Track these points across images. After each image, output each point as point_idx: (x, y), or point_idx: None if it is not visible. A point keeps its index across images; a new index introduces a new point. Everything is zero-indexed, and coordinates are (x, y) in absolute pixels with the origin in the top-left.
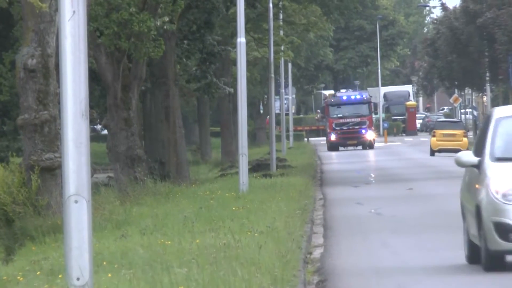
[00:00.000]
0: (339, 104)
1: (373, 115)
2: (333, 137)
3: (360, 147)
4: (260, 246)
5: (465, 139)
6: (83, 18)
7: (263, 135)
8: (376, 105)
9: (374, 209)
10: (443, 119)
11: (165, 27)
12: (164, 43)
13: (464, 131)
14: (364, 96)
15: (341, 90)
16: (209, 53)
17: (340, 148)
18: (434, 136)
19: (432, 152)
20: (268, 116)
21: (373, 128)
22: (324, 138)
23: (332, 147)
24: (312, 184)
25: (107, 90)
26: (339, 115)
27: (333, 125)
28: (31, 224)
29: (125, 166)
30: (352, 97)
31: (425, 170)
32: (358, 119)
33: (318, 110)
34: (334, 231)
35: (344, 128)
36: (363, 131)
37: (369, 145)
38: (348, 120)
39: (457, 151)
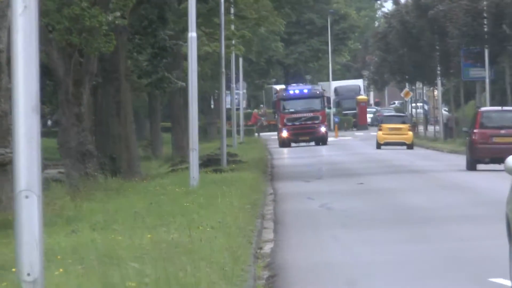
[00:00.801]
0: (291, 98)
1: (326, 110)
2: (284, 133)
3: (313, 143)
4: (210, 241)
5: (410, 133)
6: (34, 13)
7: (214, 130)
8: (329, 100)
9: (324, 203)
10: (389, 113)
11: (116, 22)
12: (116, 38)
13: (409, 125)
14: (316, 90)
15: (293, 84)
16: (160, 47)
17: (292, 144)
18: (380, 130)
19: (379, 145)
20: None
21: (326, 123)
22: (275, 133)
23: (284, 143)
24: (262, 179)
25: (58, 85)
26: (291, 110)
27: (285, 121)
28: None
29: (76, 161)
30: (305, 91)
31: (376, 164)
32: (311, 114)
33: (262, 105)
34: (284, 226)
35: (296, 123)
36: (316, 126)
37: (322, 141)
38: (300, 115)
39: (402, 144)
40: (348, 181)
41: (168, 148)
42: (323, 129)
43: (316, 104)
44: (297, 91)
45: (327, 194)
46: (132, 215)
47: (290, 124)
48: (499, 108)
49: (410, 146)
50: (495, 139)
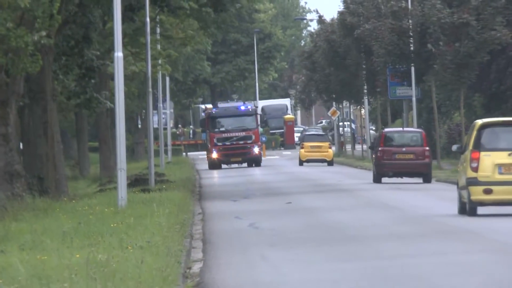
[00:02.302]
0: (221, 116)
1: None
2: (214, 154)
3: (245, 165)
4: (139, 261)
5: (330, 150)
6: None
7: (142, 150)
8: (262, 118)
9: (252, 223)
10: (310, 132)
11: (42, 42)
12: (42, 58)
13: (329, 143)
14: (249, 107)
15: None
16: (88, 68)
17: (223, 166)
18: (302, 148)
19: (301, 162)
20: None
21: (259, 143)
22: (203, 152)
23: (214, 164)
24: (191, 198)
25: None
26: (221, 129)
27: (215, 140)
28: None
29: (3, 181)
30: (236, 108)
31: (304, 183)
32: (243, 133)
33: (179, 125)
34: (213, 245)
35: (227, 143)
36: (249, 146)
37: (256, 162)
38: (231, 134)
39: (323, 161)
40: (276, 200)
41: (95, 168)
42: (256, 149)
43: (249, 122)
44: (228, 108)
45: (255, 214)
46: (61, 235)
47: (220, 144)
48: (401, 128)
49: (330, 163)
50: (398, 156)
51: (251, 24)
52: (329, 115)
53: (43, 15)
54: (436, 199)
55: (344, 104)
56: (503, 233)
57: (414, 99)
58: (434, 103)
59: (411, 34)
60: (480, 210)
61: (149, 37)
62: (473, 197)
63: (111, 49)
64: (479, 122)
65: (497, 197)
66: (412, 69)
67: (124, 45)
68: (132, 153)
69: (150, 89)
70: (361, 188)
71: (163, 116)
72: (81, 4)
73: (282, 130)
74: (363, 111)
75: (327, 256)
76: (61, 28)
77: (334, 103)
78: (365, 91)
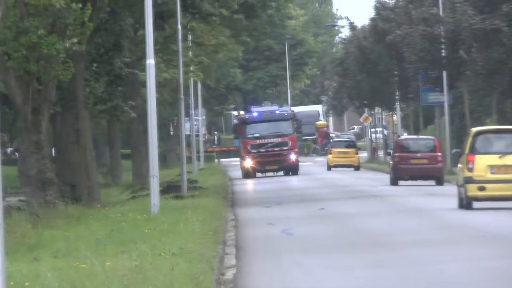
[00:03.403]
0: (255, 121)
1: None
2: (248, 162)
3: (281, 173)
4: (172, 267)
5: (357, 156)
6: None
7: (174, 157)
8: (299, 122)
9: (285, 229)
10: (338, 139)
11: (74, 49)
12: (74, 65)
13: (356, 149)
14: (285, 111)
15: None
16: (116, 75)
17: (258, 174)
18: (330, 153)
19: (329, 167)
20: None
21: (296, 150)
22: (235, 158)
23: (248, 173)
24: (223, 205)
25: (17, 113)
26: (255, 135)
27: (249, 147)
28: None
29: (36, 189)
30: (271, 113)
31: (336, 189)
32: (279, 139)
33: (206, 131)
34: (246, 251)
35: (262, 150)
36: (285, 153)
37: (292, 170)
38: (266, 140)
39: (350, 166)
40: (309, 207)
41: (128, 175)
42: (293, 156)
43: (285, 127)
44: (262, 113)
45: (288, 220)
46: (94, 242)
47: (254, 151)
48: (415, 136)
49: (357, 168)
50: (412, 161)
51: (283, 31)
52: (361, 121)
53: (74, 23)
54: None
55: (376, 110)
56: None
57: (446, 105)
58: (466, 109)
59: (443, 40)
60: (475, 204)
61: (180, 44)
62: (469, 193)
63: (142, 57)
64: (474, 130)
65: (490, 193)
66: (444, 75)
67: (156, 52)
68: (164, 160)
69: (182, 96)
70: (394, 194)
71: (195, 123)
72: (113, 11)
73: (315, 137)
74: (395, 117)
75: (361, 262)
76: (92, 36)
77: (366, 109)
78: (397, 97)
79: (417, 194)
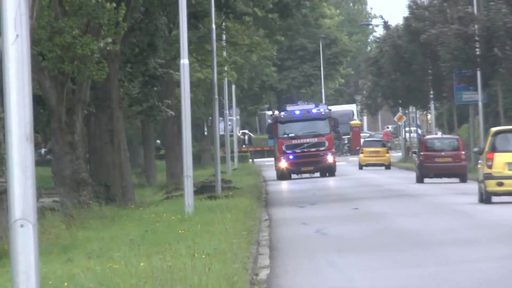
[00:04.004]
0: (291, 120)
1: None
2: (283, 162)
3: (317, 174)
4: (206, 268)
5: (387, 155)
6: (26, 42)
7: (208, 157)
8: (336, 122)
9: (319, 229)
10: (369, 138)
11: (108, 48)
12: (108, 66)
13: (387, 148)
14: (321, 110)
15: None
16: (151, 76)
17: (293, 176)
18: (362, 153)
19: (361, 166)
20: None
21: (333, 150)
22: (269, 158)
23: (283, 175)
24: (257, 205)
25: (51, 114)
26: (290, 135)
27: (284, 148)
28: None
29: (70, 190)
30: (307, 111)
31: (370, 189)
32: (315, 139)
33: (241, 131)
34: (280, 252)
35: (298, 151)
36: (322, 154)
37: (330, 171)
38: (302, 140)
39: (381, 165)
40: (342, 206)
41: (162, 175)
42: (330, 157)
43: (322, 127)
44: (297, 112)
45: (321, 219)
46: (128, 242)
47: (290, 151)
48: (440, 135)
49: (387, 167)
50: (437, 159)
51: (317, 30)
52: (395, 120)
53: (108, 23)
54: (501, 204)
55: (410, 110)
56: None
57: (480, 103)
58: (501, 108)
59: (477, 39)
60: (494, 199)
61: (214, 44)
62: (488, 189)
63: (176, 56)
64: (494, 129)
65: (508, 189)
66: (478, 73)
67: (190, 52)
68: (198, 160)
69: (216, 96)
70: (427, 193)
71: (229, 122)
72: (147, 11)
73: (349, 136)
74: (429, 116)
75: (395, 262)
76: (127, 36)
77: (400, 108)
78: (431, 96)
79: (446, 191)
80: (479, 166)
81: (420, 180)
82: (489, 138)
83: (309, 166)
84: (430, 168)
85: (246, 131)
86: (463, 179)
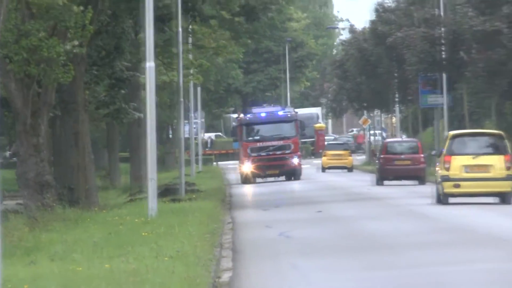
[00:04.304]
0: (256, 123)
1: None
2: (248, 166)
3: (283, 178)
4: (169, 270)
5: (350, 158)
6: None
7: (173, 160)
8: (303, 124)
9: (283, 232)
10: (332, 141)
11: (74, 51)
12: (74, 68)
13: (349, 151)
14: (287, 112)
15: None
16: (117, 78)
17: (258, 180)
18: (324, 156)
19: (323, 169)
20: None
21: (299, 153)
22: (233, 161)
23: (247, 178)
24: (221, 208)
25: (16, 117)
26: (256, 138)
27: (248, 151)
28: None
29: (34, 192)
30: (273, 114)
31: (334, 192)
32: (281, 142)
33: (206, 134)
34: (243, 254)
35: (263, 154)
36: (288, 157)
37: (295, 175)
38: (267, 143)
39: (343, 168)
40: (306, 209)
41: (126, 178)
42: (296, 160)
43: (288, 129)
44: (263, 114)
45: (285, 222)
46: (91, 245)
47: (255, 155)
48: (400, 139)
49: (350, 170)
50: (397, 162)
51: (284, 33)
52: (360, 123)
53: (75, 26)
54: (465, 206)
55: (375, 113)
56: None
57: (445, 107)
58: (466, 111)
59: (443, 42)
60: (451, 200)
61: (181, 47)
62: (445, 190)
63: (142, 60)
64: (451, 133)
65: (464, 190)
66: (444, 77)
67: (156, 55)
68: (162, 163)
69: (182, 99)
70: (390, 196)
71: (194, 125)
72: (114, 14)
73: (313, 139)
74: (394, 120)
75: (358, 265)
76: (93, 39)
77: (365, 111)
78: (396, 99)
79: (407, 194)
80: (436, 168)
81: (379, 182)
82: (447, 142)
83: (274, 170)
84: (389, 171)
85: (212, 135)
86: (422, 182)
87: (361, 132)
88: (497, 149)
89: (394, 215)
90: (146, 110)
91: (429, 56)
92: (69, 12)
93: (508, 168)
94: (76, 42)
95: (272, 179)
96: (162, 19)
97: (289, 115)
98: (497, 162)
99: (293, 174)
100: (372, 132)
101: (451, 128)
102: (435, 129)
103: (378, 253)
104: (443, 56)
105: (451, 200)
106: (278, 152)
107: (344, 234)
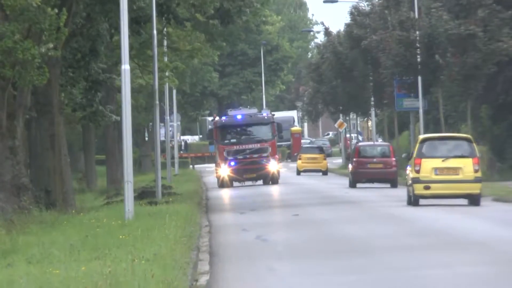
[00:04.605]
0: (233, 125)
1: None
2: (225, 169)
3: (260, 182)
4: (146, 273)
5: (325, 161)
6: None
7: (149, 163)
8: (280, 127)
9: (260, 235)
10: (307, 145)
11: (49, 54)
12: (49, 71)
13: (324, 155)
14: (264, 114)
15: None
16: (94, 81)
17: (235, 184)
18: (300, 159)
19: (298, 172)
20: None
21: (277, 156)
22: (210, 164)
23: (224, 183)
24: (198, 211)
25: None
26: (232, 141)
27: (225, 154)
28: None
29: (10, 195)
30: (249, 116)
31: (311, 195)
32: (258, 145)
33: (182, 137)
34: (220, 258)
35: (240, 157)
36: (265, 161)
37: (272, 179)
38: (244, 146)
39: (318, 171)
40: (283, 213)
41: (103, 180)
42: (273, 164)
43: (265, 132)
44: (239, 116)
45: (262, 226)
46: (68, 248)
47: (231, 158)
48: (372, 143)
49: (325, 173)
50: (369, 165)
51: (259, 36)
52: (336, 127)
53: (50, 28)
54: (441, 210)
55: (351, 116)
56: (507, 244)
57: (421, 110)
58: (441, 115)
59: (418, 45)
60: (421, 202)
61: (156, 50)
62: (416, 192)
63: (118, 62)
64: (421, 136)
65: (434, 192)
66: (419, 80)
67: (131, 58)
68: (139, 166)
69: (157, 102)
70: (367, 200)
71: (170, 128)
72: (89, 17)
73: (289, 142)
74: (370, 123)
75: (335, 268)
76: (68, 41)
77: (341, 115)
78: (372, 103)
79: (382, 197)
80: (407, 171)
81: (353, 185)
82: (417, 145)
83: (252, 173)
84: (362, 174)
85: (188, 138)
86: (394, 184)
87: (347, 136)
88: (466, 152)
89: (370, 218)
90: (122, 113)
91: (404, 60)
92: (44, 14)
93: (476, 171)
94: (51, 45)
95: (249, 183)
96: (138, 21)
97: (266, 117)
98: (466, 164)
99: (270, 178)
100: (348, 135)
101: (427, 131)
102: (411, 133)
103: (354, 256)
104: (418, 59)
105: (422, 201)
106: (255, 155)
107: (321, 237)
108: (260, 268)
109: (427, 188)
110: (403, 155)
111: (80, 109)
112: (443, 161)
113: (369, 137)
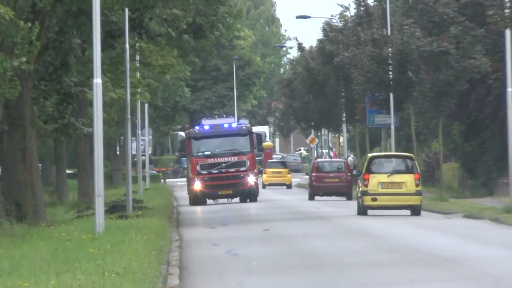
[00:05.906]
0: (207, 136)
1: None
2: (198, 185)
3: (237, 199)
4: (116, 287)
5: (288, 176)
6: None
7: (120, 176)
8: (260, 138)
9: (230, 249)
10: (272, 160)
11: (22, 68)
12: (21, 84)
13: (288, 169)
14: (242, 125)
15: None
16: (66, 94)
17: (209, 201)
18: (265, 173)
19: (264, 186)
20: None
21: (255, 171)
22: (181, 179)
23: (197, 199)
24: (168, 225)
25: None
26: (206, 153)
27: (198, 168)
28: None
29: None
30: (226, 125)
31: (281, 211)
32: (235, 158)
33: (151, 151)
34: (190, 272)
35: (214, 171)
36: (242, 175)
37: (250, 196)
38: (220, 159)
39: (282, 185)
40: (253, 228)
41: (74, 194)
42: (252, 179)
43: (242, 144)
44: (215, 127)
45: (232, 240)
46: (38, 261)
47: (205, 172)
48: (329, 159)
49: (289, 187)
50: (326, 180)
51: (231, 51)
52: (308, 142)
53: (22, 42)
54: (411, 226)
55: (322, 132)
56: (477, 261)
57: (392, 127)
58: (413, 131)
59: (391, 62)
60: (369, 212)
61: (128, 64)
62: (365, 203)
63: (90, 76)
64: (369, 155)
65: (380, 203)
66: (391, 97)
67: (104, 72)
68: (110, 179)
69: (129, 116)
70: (338, 215)
71: (142, 142)
72: (61, 31)
73: (261, 158)
74: (341, 139)
75: (304, 284)
76: (40, 54)
77: (312, 130)
78: (344, 118)
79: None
80: (358, 185)
81: (311, 197)
82: (366, 162)
83: (228, 190)
84: (320, 187)
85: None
86: (349, 197)
87: (334, 150)
88: (408, 169)
89: (339, 233)
90: (94, 126)
91: (376, 76)
92: (16, 28)
93: (417, 185)
94: (23, 59)
95: (224, 200)
96: (112, 35)
97: (244, 128)
98: (408, 179)
99: (248, 194)
100: (319, 151)
101: (398, 148)
102: (382, 149)
103: (324, 271)
104: (391, 76)
105: (370, 212)
106: (232, 170)
107: (291, 252)
108: (230, 283)
109: (374, 200)
110: (354, 172)
111: (51, 121)
112: (388, 176)
113: (340, 153)
